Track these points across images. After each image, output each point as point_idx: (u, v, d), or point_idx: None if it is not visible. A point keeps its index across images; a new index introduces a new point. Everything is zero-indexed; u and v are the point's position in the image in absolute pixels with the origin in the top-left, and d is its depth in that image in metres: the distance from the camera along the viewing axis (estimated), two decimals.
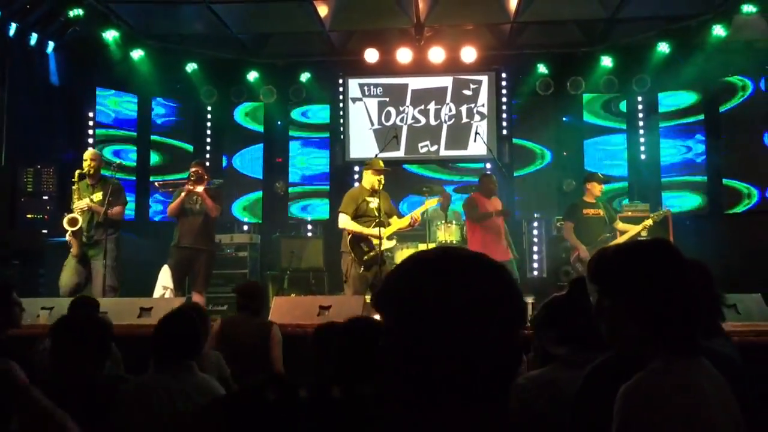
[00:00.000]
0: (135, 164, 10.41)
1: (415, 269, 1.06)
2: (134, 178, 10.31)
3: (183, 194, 7.33)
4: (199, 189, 7.31)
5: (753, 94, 9.67)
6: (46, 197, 8.26)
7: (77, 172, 7.10)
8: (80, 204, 6.96)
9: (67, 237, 6.95)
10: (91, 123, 9.98)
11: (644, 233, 7.61)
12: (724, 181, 9.76)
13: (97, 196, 7.01)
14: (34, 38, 8.59)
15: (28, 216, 8.21)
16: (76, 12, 8.32)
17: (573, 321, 2.16)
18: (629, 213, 8.66)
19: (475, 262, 1.06)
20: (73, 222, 6.85)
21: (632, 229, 7.65)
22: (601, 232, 7.66)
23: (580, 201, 7.88)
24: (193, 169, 7.45)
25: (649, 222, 7.67)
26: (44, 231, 8.14)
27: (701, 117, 10.18)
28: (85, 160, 7.16)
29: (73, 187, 7.09)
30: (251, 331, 4.70)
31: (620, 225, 7.79)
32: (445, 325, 0.99)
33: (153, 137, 10.73)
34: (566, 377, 2.06)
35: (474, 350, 0.99)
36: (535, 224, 10.51)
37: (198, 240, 7.43)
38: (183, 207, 7.36)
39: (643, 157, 10.68)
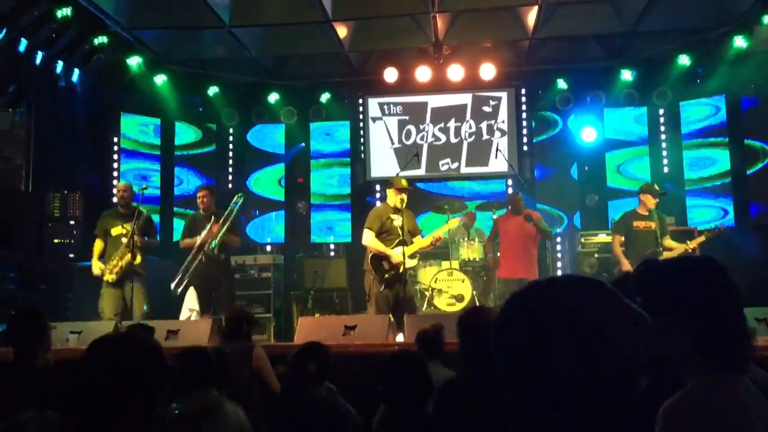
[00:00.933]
0: (159, 187, 10.53)
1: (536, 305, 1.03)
2: (159, 199, 10.44)
3: (199, 240, 7.38)
4: (215, 229, 7.38)
5: None
6: (72, 222, 8.36)
7: (119, 208, 7.48)
8: (122, 260, 7.18)
9: (103, 272, 7.20)
10: (115, 148, 10.12)
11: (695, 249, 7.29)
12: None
13: (129, 225, 7.24)
14: (59, 66, 8.75)
15: (55, 241, 8.32)
16: (101, 39, 8.47)
17: None
18: None
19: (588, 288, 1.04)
20: (134, 256, 7.11)
21: (679, 247, 7.31)
22: (650, 246, 7.30)
23: (632, 212, 7.61)
24: (201, 194, 7.59)
25: (701, 239, 7.37)
26: (71, 255, 8.24)
27: (724, 127, 10.09)
28: (118, 191, 7.54)
29: (116, 220, 7.34)
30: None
31: (668, 242, 7.43)
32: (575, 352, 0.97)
33: (176, 161, 10.86)
34: None
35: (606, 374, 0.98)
36: (559, 239, 10.44)
37: (214, 270, 7.53)
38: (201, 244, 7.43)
39: (666, 170, 10.59)
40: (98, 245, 7.40)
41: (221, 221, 7.45)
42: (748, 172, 9.66)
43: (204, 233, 7.43)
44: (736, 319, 1.55)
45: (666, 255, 7.16)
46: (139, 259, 7.19)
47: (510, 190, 10.88)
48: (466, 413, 2.74)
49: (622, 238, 7.54)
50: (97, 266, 7.28)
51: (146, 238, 7.41)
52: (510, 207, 8.48)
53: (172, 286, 7.41)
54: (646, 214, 7.49)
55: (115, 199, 7.50)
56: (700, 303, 1.54)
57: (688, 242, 7.42)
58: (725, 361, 1.52)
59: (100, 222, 7.49)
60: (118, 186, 7.70)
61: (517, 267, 8.02)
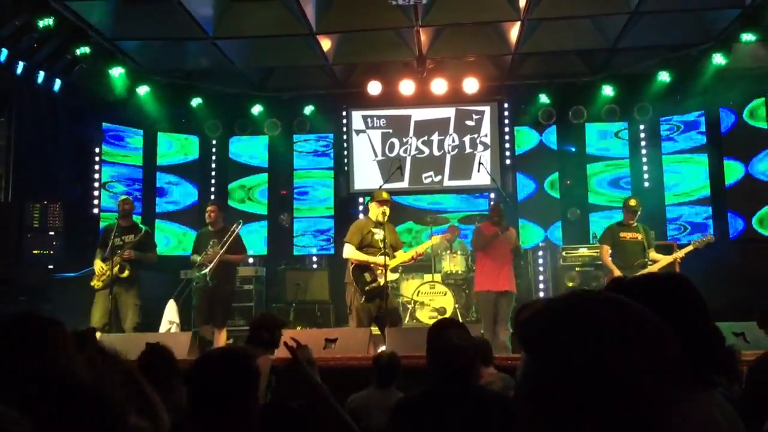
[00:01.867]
0: (141, 199, 10.46)
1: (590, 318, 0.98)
2: (140, 211, 10.37)
3: (205, 256, 7.47)
4: (213, 255, 7.42)
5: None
6: (52, 233, 8.29)
7: (118, 220, 7.61)
8: (124, 253, 7.37)
9: (98, 272, 7.37)
10: (97, 159, 10.06)
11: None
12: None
13: (128, 237, 7.46)
14: (41, 76, 8.69)
15: (35, 252, 8.24)
16: (83, 50, 8.42)
17: None
18: None
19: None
20: (122, 270, 7.34)
21: (665, 259, 7.36)
22: (639, 256, 7.37)
23: (618, 224, 7.72)
24: (210, 209, 7.66)
25: (689, 248, 7.36)
26: (50, 267, 8.17)
27: (704, 143, 10.22)
28: (119, 204, 7.78)
29: (115, 232, 7.42)
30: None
31: (653, 254, 7.47)
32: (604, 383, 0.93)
33: (159, 171, 10.81)
34: None
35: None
36: (540, 253, 10.48)
37: (218, 280, 7.55)
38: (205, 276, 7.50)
39: (646, 185, 10.70)
40: (98, 255, 7.55)
41: (219, 247, 7.49)
42: (727, 186, 9.80)
43: (204, 256, 7.56)
44: (706, 334, 1.56)
45: (652, 267, 7.24)
46: (126, 272, 7.31)
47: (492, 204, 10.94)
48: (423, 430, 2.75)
49: (609, 249, 7.57)
50: (98, 265, 7.43)
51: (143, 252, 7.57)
52: (491, 217, 8.36)
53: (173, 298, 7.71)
54: (631, 225, 7.57)
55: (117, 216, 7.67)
56: (667, 319, 1.55)
57: (676, 252, 7.47)
58: (695, 377, 1.53)
59: (101, 236, 7.69)
60: (120, 200, 7.92)
61: (502, 279, 7.90)
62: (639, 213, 7.61)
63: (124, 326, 7.20)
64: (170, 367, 3.12)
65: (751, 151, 9.54)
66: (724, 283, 7.96)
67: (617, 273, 7.12)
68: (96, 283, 7.34)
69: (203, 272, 7.41)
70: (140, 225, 7.71)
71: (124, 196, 8.11)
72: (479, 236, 7.96)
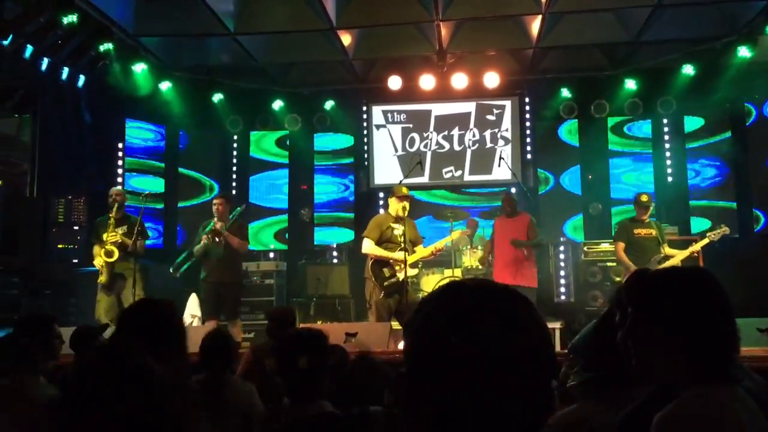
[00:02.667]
0: (163, 194, 10.56)
1: (452, 303, 1.00)
2: (162, 206, 10.48)
3: (204, 240, 7.39)
4: (220, 225, 7.37)
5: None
6: (76, 227, 8.40)
7: (116, 207, 7.45)
8: (112, 237, 7.26)
9: (98, 265, 7.22)
10: (120, 154, 10.17)
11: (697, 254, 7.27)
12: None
13: (122, 229, 7.37)
14: (65, 72, 8.80)
15: (60, 246, 8.35)
16: (106, 46, 8.50)
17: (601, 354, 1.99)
18: None
19: (513, 305, 1.01)
20: (110, 254, 7.22)
21: (681, 254, 7.29)
22: (654, 252, 7.31)
23: (631, 220, 7.65)
24: (216, 202, 7.57)
25: (705, 241, 7.27)
26: (75, 261, 8.28)
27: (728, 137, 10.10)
28: (111, 195, 7.57)
29: (110, 222, 7.37)
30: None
31: (667, 249, 7.39)
32: (476, 369, 0.95)
33: (180, 167, 10.90)
34: (599, 416, 1.92)
35: (501, 399, 0.95)
36: (562, 248, 10.43)
37: (225, 274, 7.51)
38: (206, 250, 7.43)
39: (670, 179, 10.58)
40: (96, 251, 7.47)
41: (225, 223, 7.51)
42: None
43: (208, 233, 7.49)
44: (728, 330, 1.55)
45: (670, 262, 7.13)
46: (116, 255, 7.21)
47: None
48: None
49: (624, 245, 7.49)
50: (99, 261, 7.38)
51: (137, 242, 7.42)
52: (503, 208, 8.20)
53: (171, 269, 7.57)
54: (644, 221, 7.49)
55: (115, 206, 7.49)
56: (690, 313, 1.54)
57: (692, 247, 7.36)
58: (717, 372, 1.52)
59: (94, 230, 7.56)
60: (112, 191, 7.75)
61: (520, 274, 7.82)
62: (651, 208, 7.53)
63: None
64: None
65: None
66: (748, 278, 7.85)
67: (633, 268, 7.05)
68: (102, 279, 7.28)
69: (211, 224, 7.40)
70: (132, 215, 7.59)
71: (117, 188, 8.01)
72: (493, 231, 7.99)
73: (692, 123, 10.46)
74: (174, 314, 2.47)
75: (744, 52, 8.85)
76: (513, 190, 10.74)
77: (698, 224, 10.10)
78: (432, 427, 0.96)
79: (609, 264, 9.15)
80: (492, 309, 0.98)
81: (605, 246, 9.40)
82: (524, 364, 0.96)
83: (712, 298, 1.56)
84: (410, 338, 1.01)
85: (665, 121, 10.72)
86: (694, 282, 1.59)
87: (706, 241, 7.29)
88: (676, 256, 7.29)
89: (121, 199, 7.57)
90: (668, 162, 10.67)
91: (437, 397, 0.95)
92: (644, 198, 7.57)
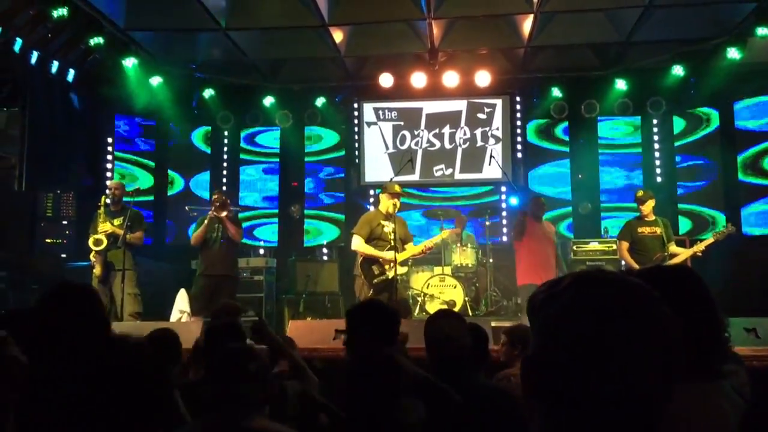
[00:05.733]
0: (152, 189, 10.52)
1: (594, 295, 1.02)
2: (152, 200, 10.44)
3: (206, 222, 7.42)
4: (223, 214, 7.40)
5: None
6: (65, 222, 8.35)
7: (103, 198, 7.45)
8: (104, 227, 7.23)
9: (91, 257, 7.26)
10: (109, 149, 10.12)
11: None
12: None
13: (118, 221, 7.33)
14: (54, 66, 8.74)
15: (48, 241, 8.30)
16: (97, 40, 8.45)
17: None
18: None
19: (650, 301, 1.05)
20: (98, 243, 7.21)
21: (685, 253, 7.28)
22: (658, 251, 7.25)
23: (636, 219, 7.61)
24: (215, 196, 7.57)
25: (710, 240, 7.22)
26: (63, 255, 8.23)
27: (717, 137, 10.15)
28: (110, 188, 7.61)
29: (99, 211, 7.36)
30: None
31: (673, 248, 7.36)
32: (616, 361, 0.97)
33: (170, 162, 10.86)
34: None
35: (630, 392, 0.98)
36: None
37: (223, 267, 7.51)
38: (206, 236, 7.43)
39: (659, 180, 10.63)
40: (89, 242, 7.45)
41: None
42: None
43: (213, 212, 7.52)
44: (712, 328, 1.56)
45: (672, 261, 7.13)
46: (104, 244, 7.18)
47: (503, 197, 10.93)
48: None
49: (628, 244, 7.48)
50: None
51: (128, 235, 7.37)
52: (532, 212, 8.05)
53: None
54: (649, 219, 7.47)
55: (107, 199, 7.45)
56: (675, 311, 1.55)
57: (695, 246, 7.33)
58: (703, 371, 1.53)
59: (92, 223, 7.51)
60: (110, 184, 7.80)
61: (546, 273, 7.75)
62: (652, 204, 7.48)
63: (120, 316, 6.98)
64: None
65: None
66: (740, 279, 7.89)
67: (636, 268, 7.06)
68: (97, 271, 7.26)
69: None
70: (130, 207, 7.51)
71: (115, 181, 8.03)
72: (517, 226, 7.93)
73: (681, 123, 10.51)
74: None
75: (733, 53, 8.90)
76: (503, 188, 10.82)
77: (685, 225, 10.16)
78: (565, 413, 0.99)
79: (597, 263, 9.19)
80: (634, 304, 1.01)
81: (594, 245, 9.45)
82: (658, 359, 0.99)
83: (695, 296, 1.57)
84: (546, 324, 1.03)
85: (654, 121, 10.79)
86: (675, 281, 1.60)
87: (711, 240, 7.22)
88: (680, 255, 7.26)
89: (120, 192, 7.58)
90: (657, 162, 10.73)
91: (573, 384, 0.97)
92: (639, 193, 7.61)
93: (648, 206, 7.46)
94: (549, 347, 1.00)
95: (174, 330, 3.70)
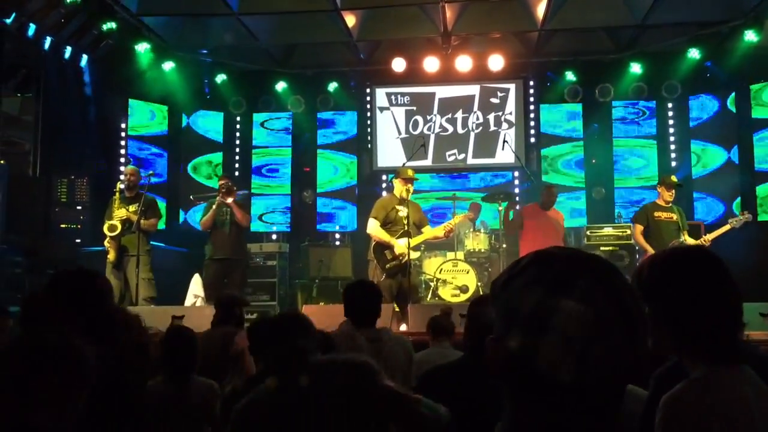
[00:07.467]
0: (165, 174, 10.54)
1: (551, 268, 1.01)
2: (165, 183, 10.47)
3: (214, 207, 7.45)
4: (230, 200, 7.43)
5: None
6: (79, 207, 8.41)
7: (118, 184, 7.52)
8: (119, 213, 7.26)
9: (106, 243, 7.29)
10: (123, 134, 10.14)
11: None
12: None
13: (133, 207, 7.38)
14: (68, 51, 8.76)
15: (62, 226, 8.37)
16: (110, 25, 8.46)
17: None
18: None
19: (605, 270, 1.03)
20: (112, 228, 7.25)
21: (700, 240, 7.22)
22: (674, 236, 7.21)
23: (653, 203, 7.57)
24: (222, 182, 7.58)
25: (726, 227, 7.19)
26: (78, 240, 8.29)
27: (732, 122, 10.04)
28: (125, 174, 7.70)
29: (114, 197, 7.41)
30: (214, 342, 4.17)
31: (687, 237, 7.30)
32: (580, 330, 0.95)
33: (183, 147, 10.88)
34: None
35: (601, 359, 0.96)
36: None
37: (232, 251, 7.56)
38: (215, 220, 7.47)
39: (673, 164, 10.55)
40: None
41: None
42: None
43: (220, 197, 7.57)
44: (733, 311, 1.55)
45: None
46: (118, 229, 7.23)
47: (516, 182, 10.89)
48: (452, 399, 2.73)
49: (642, 228, 7.40)
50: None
51: (143, 221, 7.40)
52: (543, 200, 8.10)
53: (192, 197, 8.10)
54: (666, 205, 7.41)
55: (121, 185, 7.50)
56: (695, 294, 1.53)
57: (708, 235, 7.28)
58: (724, 353, 1.52)
59: (107, 209, 7.54)
60: (126, 170, 7.87)
61: None
62: (674, 193, 7.42)
63: (135, 301, 7.04)
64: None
65: None
66: (753, 264, 7.83)
67: (651, 251, 7.05)
68: (111, 257, 7.30)
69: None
70: (145, 193, 7.53)
71: (131, 167, 8.06)
72: (517, 215, 7.94)
73: (696, 107, 10.40)
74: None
75: (750, 36, 8.78)
76: (516, 173, 10.77)
77: (700, 210, 10.08)
78: (529, 391, 0.98)
79: (611, 248, 9.15)
80: (588, 273, 0.99)
81: (608, 230, 9.40)
82: (621, 325, 0.97)
83: (715, 279, 1.56)
84: (506, 302, 1.02)
85: (670, 105, 10.67)
86: (696, 263, 1.59)
87: (727, 227, 7.18)
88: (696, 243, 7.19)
89: (135, 178, 7.63)
90: (672, 147, 10.64)
91: (537, 360, 0.96)
92: (672, 179, 7.55)
93: (672, 194, 7.40)
94: (510, 327, 0.99)
95: (191, 332, 3.62)
